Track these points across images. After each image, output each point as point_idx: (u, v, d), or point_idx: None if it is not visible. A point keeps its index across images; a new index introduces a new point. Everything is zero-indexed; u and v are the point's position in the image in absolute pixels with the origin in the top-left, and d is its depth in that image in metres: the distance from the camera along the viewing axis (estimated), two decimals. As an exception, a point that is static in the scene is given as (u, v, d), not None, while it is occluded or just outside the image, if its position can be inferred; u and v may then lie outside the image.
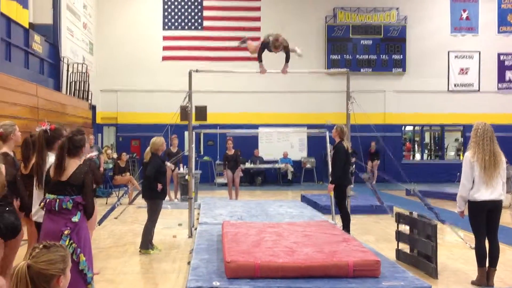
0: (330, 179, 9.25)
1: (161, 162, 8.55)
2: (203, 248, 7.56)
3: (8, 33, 12.42)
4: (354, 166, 15.34)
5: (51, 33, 15.77)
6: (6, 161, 5.88)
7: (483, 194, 6.10)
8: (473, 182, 6.16)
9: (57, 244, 2.73)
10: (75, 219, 4.51)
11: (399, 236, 7.75)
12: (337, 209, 9.32)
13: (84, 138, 4.80)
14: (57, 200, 4.49)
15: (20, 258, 6.18)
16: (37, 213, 5.03)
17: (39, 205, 4.68)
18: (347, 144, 9.15)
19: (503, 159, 6.20)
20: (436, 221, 7.39)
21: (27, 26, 13.71)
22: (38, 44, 14.34)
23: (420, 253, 7.08)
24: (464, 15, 22.73)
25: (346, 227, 8.97)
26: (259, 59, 8.61)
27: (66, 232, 4.45)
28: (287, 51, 8.34)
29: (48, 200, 4.54)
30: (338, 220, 9.43)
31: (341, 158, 8.96)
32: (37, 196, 5.01)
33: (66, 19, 16.88)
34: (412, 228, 7.42)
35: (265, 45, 8.32)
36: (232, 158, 14.51)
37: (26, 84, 11.80)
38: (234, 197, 14.54)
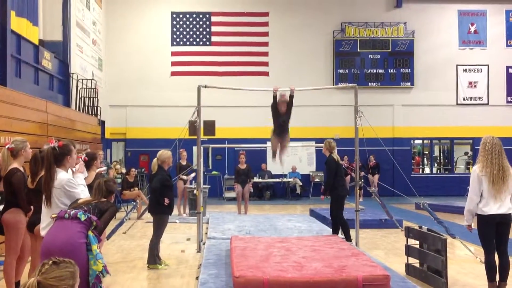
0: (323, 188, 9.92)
1: (168, 176, 8.51)
2: (211, 263, 7.54)
3: (18, 50, 12.55)
4: (362, 180, 15.34)
5: (61, 50, 15.93)
6: (16, 176, 5.93)
7: (492, 208, 6.06)
8: (481, 196, 6.12)
9: (66, 260, 2.74)
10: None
11: (409, 250, 7.69)
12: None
13: (116, 187, 5.19)
14: (73, 210, 4.56)
15: (25, 274, 6.25)
16: (46, 229, 5.03)
17: (51, 216, 4.71)
18: (337, 156, 9.62)
19: (511, 173, 6.16)
20: (446, 235, 7.34)
21: (37, 43, 13.86)
22: (47, 60, 14.48)
23: (430, 267, 7.02)
24: (472, 29, 22.74)
25: (347, 235, 9.24)
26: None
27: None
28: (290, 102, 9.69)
29: (63, 210, 4.62)
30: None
31: (331, 169, 9.43)
32: (46, 213, 5.01)
33: (75, 35, 17.05)
34: (422, 242, 7.37)
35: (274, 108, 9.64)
36: (243, 173, 14.52)
37: (36, 100, 11.89)
38: (243, 212, 14.52)
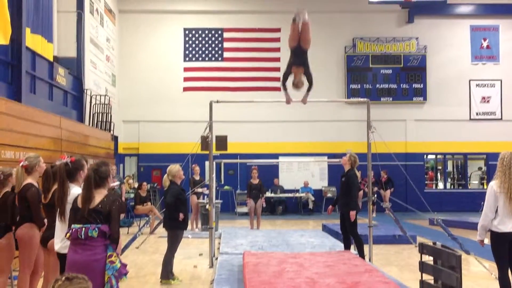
0: (341, 205, 9.38)
1: (181, 190, 8.51)
2: (224, 279, 7.52)
3: (33, 66, 12.70)
4: (376, 195, 15.27)
5: (75, 66, 16.10)
6: (30, 192, 5.99)
7: (507, 225, 6.00)
8: (496, 212, 6.06)
9: (79, 276, 2.76)
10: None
11: (423, 266, 7.61)
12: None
13: (109, 169, 4.86)
14: (83, 229, 4.52)
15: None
16: (59, 244, 5.06)
17: (65, 235, 4.71)
18: (357, 173, 9.44)
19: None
20: (460, 252, 7.27)
21: (51, 59, 14.03)
22: (62, 76, 14.64)
23: (445, 284, 6.93)
24: (485, 44, 22.69)
25: (360, 252, 9.06)
26: (283, 87, 8.27)
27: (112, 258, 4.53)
28: (309, 79, 8.05)
29: (74, 229, 4.58)
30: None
31: (355, 185, 9.23)
32: (60, 228, 5.03)
33: (89, 52, 17.24)
34: (436, 258, 7.29)
35: (288, 70, 8.08)
36: (255, 187, 14.52)
37: (50, 116, 12.00)
38: (256, 227, 14.49)
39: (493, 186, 6.10)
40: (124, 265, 4.68)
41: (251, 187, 14.56)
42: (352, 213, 9.07)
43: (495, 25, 22.75)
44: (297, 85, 7.98)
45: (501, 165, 6.11)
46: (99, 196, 4.65)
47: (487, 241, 6.28)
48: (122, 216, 5.19)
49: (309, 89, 8.27)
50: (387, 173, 19.99)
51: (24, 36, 11.80)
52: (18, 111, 10.03)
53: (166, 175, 8.57)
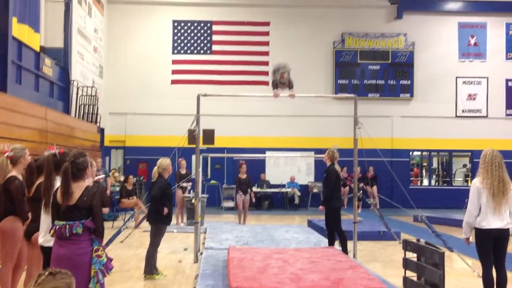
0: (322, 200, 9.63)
1: (168, 184, 8.48)
2: (208, 274, 7.53)
3: (19, 56, 12.57)
4: (361, 192, 15.33)
5: (62, 57, 15.96)
6: (14, 184, 5.93)
7: (490, 222, 6.05)
8: (480, 209, 6.11)
9: (62, 271, 2.74)
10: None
11: (406, 263, 7.67)
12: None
13: (86, 160, 4.80)
14: (67, 226, 4.49)
15: (21, 283, 6.23)
16: (44, 237, 5.02)
17: (49, 232, 4.68)
18: (338, 167, 9.47)
19: (511, 188, 6.15)
20: (444, 249, 7.33)
21: (38, 49, 13.89)
22: (48, 67, 14.50)
23: (428, 281, 6.99)
24: (472, 41, 22.82)
25: (344, 247, 9.17)
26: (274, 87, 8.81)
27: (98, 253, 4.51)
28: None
29: (57, 226, 4.54)
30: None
31: (331, 180, 9.31)
32: (44, 220, 5.01)
33: (77, 43, 17.10)
34: (420, 255, 7.34)
35: (274, 83, 8.68)
36: (244, 182, 14.54)
37: (35, 107, 11.90)
38: (242, 221, 14.50)
39: (476, 183, 6.16)
40: (110, 260, 4.66)
41: (240, 182, 14.58)
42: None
43: (483, 22, 22.89)
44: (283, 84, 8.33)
45: (483, 162, 6.17)
46: (78, 190, 4.61)
47: (472, 239, 6.33)
48: (106, 210, 5.11)
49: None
50: (374, 169, 20.08)
51: (11, 26, 11.68)
52: (2, 101, 9.94)
53: (156, 167, 8.54)
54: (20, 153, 6.11)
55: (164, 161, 8.51)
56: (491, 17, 22.85)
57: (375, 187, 20.05)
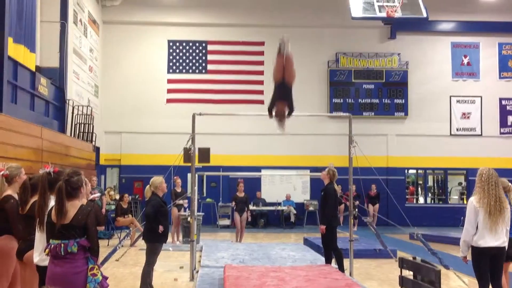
0: (320, 220, 9.63)
1: (162, 202, 8.44)
2: (204, 292, 7.49)
3: (15, 76, 12.60)
4: (357, 209, 15.33)
5: (57, 76, 16.00)
6: (9, 204, 5.91)
7: (487, 240, 6.06)
8: (477, 228, 6.12)
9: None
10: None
11: (403, 281, 7.65)
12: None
13: (81, 179, 4.80)
14: (62, 245, 4.48)
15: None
16: (38, 256, 5.00)
17: (44, 251, 4.66)
18: (336, 186, 9.57)
19: (508, 206, 6.17)
20: (440, 266, 7.32)
21: (33, 69, 13.94)
22: (44, 86, 14.54)
23: (424, 299, 6.98)
24: (466, 61, 23.02)
25: (340, 265, 9.17)
26: (271, 115, 8.20)
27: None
28: (291, 109, 8.23)
29: (52, 245, 4.53)
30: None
31: (331, 199, 9.30)
32: (39, 239, 4.98)
33: (72, 62, 17.17)
34: (416, 273, 7.34)
35: (271, 105, 8.26)
36: (241, 201, 14.56)
37: (31, 126, 11.91)
38: (239, 240, 14.48)
39: (473, 201, 6.18)
40: (105, 278, 4.64)
41: (237, 200, 14.58)
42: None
43: (476, 42, 23.12)
44: (279, 117, 7.96)
45: (480, 181, 6.20)
46: (72, 209, 4.60)
47: (469, 257, 6.34)
48: (101, 228, 5.10)
49: (288, 114, 8.22)
50: (376, 187, 20.08)
51: (6, 46, 11.71)
52: (-2, 121, 9.94)
53: (148, 186, 8.50)
54: (15, 171, 6.10)
55: (156, 179, 8.47)
56: (483, 37, 23.09)
57: (377, 206, 20.00)
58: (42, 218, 4.91)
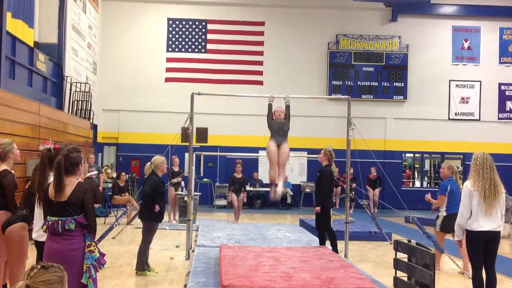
0: (315, 200, 9.80)
1: (160, 182, 8.46)
2: (200, 271, 7.54)
3: (13, 51, 12.52)
4: (354, 192, 15.37)
5: (56, 52, 15.90)
6: (7, 178, 5.90)
7: (481, 224, 6.09)
8: (471, 211, 6.15)
9: (54, 265, 2.75)
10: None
11: (397, 264, 7.71)
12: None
13: (80, 156, 4.79)
14: (60, 222, 4.49)
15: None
16: (37, 232, 5.03)
17: (42, 228, 4.68)
18: (334, 168, 9.68)
19: (503, 190, 6.20)
20: (434, 250, 7.37)
21: (32, 44, 13.84)
22: (42, 63, 14.45)
23: (418, 282, 7.03)
24: (466, 45, 22.92)
25: (334, 246, 9.28)
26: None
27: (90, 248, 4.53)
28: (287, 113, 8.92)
29: (50, 222, 4.54)
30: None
31: (327, 181, 9.39)
32: (38, 215, 5.01)
33: (71, 39, 17.04)
34: (410, 256, 7.39)
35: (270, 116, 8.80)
36: (238, 181, 14.59)
37: (28, 102, 11.85)
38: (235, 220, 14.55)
39: (468, 185, 6.20)
40: (102, 255, 4.67)
41: (234, 181, 14.62)
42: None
43: (477, 26, 22.99)
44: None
45: (475, 165, 6.22)
46: (70, 186, 4.60)
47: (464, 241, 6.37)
48: (97, 205, 5.11)
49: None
50: (376, 170, 19.95)
51: (5, 21, 11.62)
52: (-4, 96, 9.90)
53: (149, 163, 8.52)
54: (7, 147, 6.05)
55: (158, 159, 8.49)
56: (485, 21, 22.96)
57: (377, 190, 19.89)
58: (42, 194, 4.92)
